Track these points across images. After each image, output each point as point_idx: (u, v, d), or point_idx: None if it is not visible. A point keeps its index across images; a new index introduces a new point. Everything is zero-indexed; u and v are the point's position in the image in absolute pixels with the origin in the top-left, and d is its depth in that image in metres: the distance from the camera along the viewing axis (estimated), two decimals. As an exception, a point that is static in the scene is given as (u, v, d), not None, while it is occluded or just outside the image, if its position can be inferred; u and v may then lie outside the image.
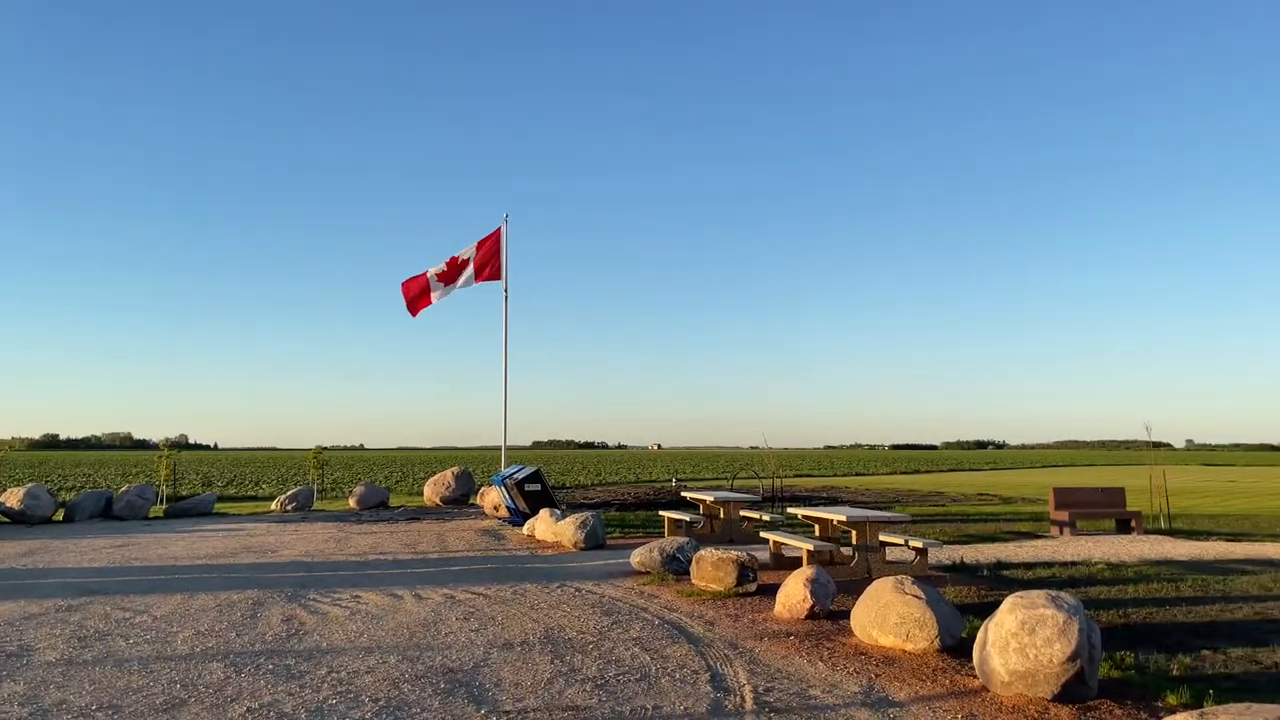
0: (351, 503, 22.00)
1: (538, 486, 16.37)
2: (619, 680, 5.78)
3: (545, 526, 13.92)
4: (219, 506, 23.15)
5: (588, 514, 13.29)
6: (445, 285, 20.05)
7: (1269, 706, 3.83)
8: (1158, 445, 30.57)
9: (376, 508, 21.63)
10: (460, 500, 22.38)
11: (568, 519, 13.22)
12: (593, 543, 12.87)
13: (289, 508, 21.11)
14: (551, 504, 16.29)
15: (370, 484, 22.69)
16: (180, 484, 36.00)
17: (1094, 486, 16.62)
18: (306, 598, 9.03)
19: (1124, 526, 15.88)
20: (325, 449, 28.77)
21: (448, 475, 22.65)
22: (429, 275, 20.16)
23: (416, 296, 20.26)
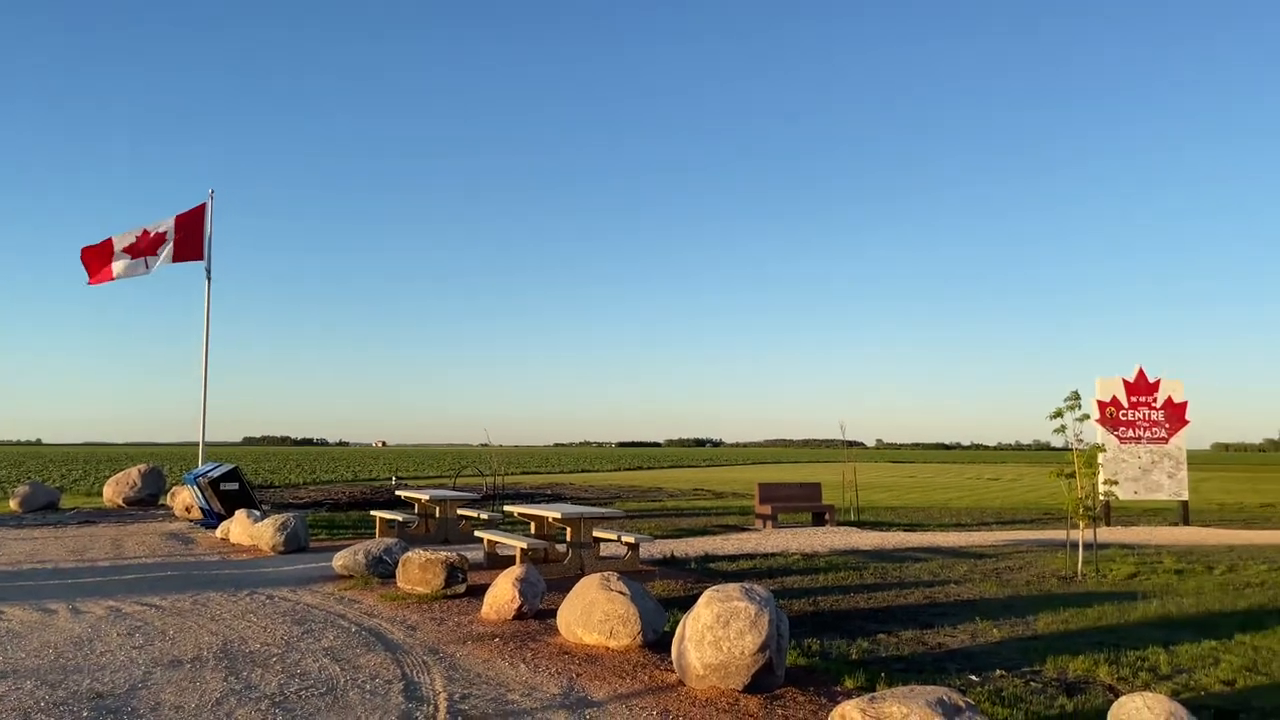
0: (13, 504, 19.26)
1: (235, 486, 15.08)
2: (301, 696, 5.27)
3: (241, 529, 12.81)
4: None
5: (290, 515, 12.36)
6: (133, 259, 17.96)
7: (929, 688, 4.06)
8: (851, 444, 33.39)
9: (44, 510, 19.09)
10: (148, 501, 20.27)
11: (267, 520, 12.23)
12: (293, 545, 11.98)
13: (-71, 512, 18.12)
14: (251, 504, 15.07)
15: (37, 483, 19.99)
16: None
17: (795, 482, 17.74)
18: (-72, 618, 7.64)
19: (819, 519, 17.07)
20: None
21: (133, 473, 20.44)
22: (114, 244, 17.94)
23: (98, 265, 17.96)
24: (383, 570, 9.63)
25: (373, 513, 14.43)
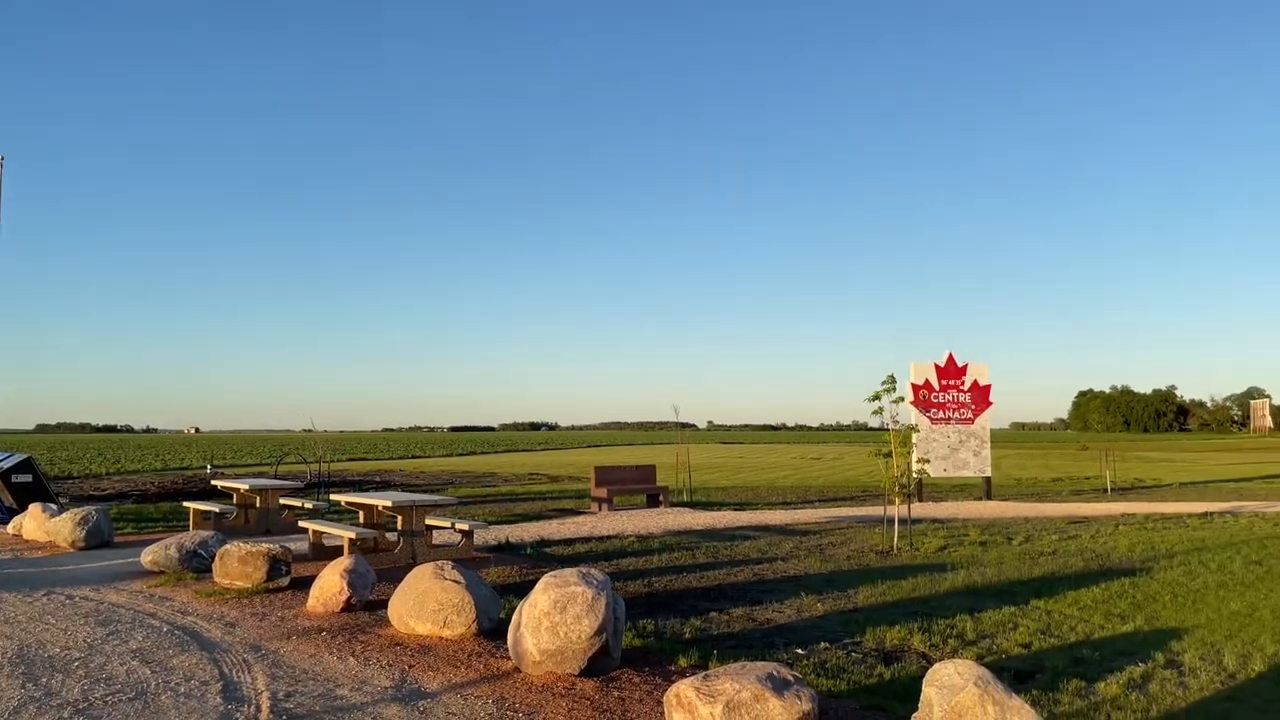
0: None
1: (28, 477, 13.90)
2: (107, 701, 4.91)
3: (36, 524, 11.80)
4: None
5: (91, 508, 11.49)
6: None
7: (759, 664, 4.20)
8: (684, 426, 34.12)
9: None
10: (-76, 496, 18.38)
11: (66, 514, 11.32)
12: (96, 541, 11.14)
13: None
14: (47, 497, 13.93)
15: None
16: None
17: (630, 465, 17.96)
18: None
19: (654, 500, 17.35)
20: None
21: (-93, 466, 18.47)
22: None
23: None
24: (198, 565, 9.09)
25: (186, 504, 13.60)
